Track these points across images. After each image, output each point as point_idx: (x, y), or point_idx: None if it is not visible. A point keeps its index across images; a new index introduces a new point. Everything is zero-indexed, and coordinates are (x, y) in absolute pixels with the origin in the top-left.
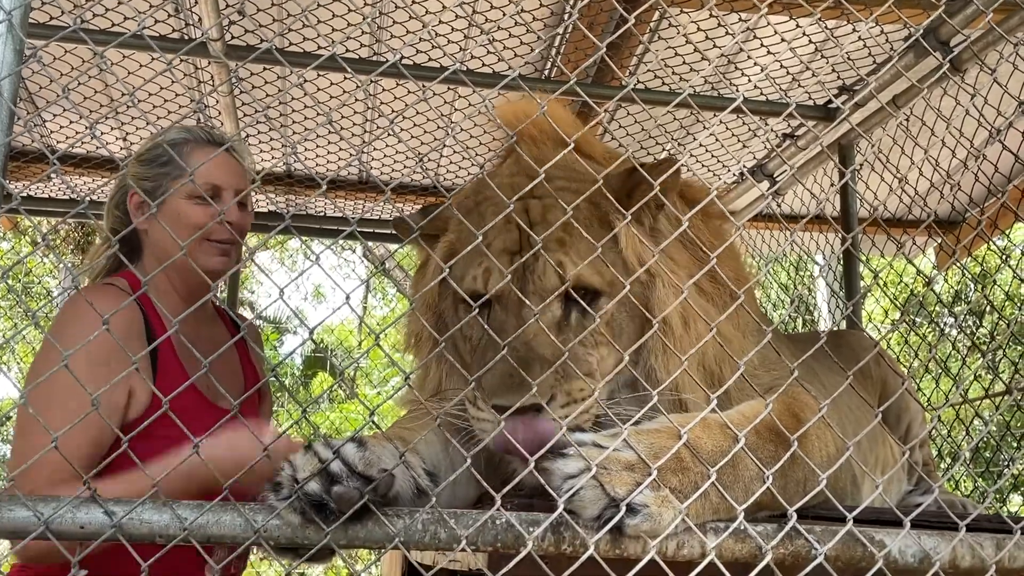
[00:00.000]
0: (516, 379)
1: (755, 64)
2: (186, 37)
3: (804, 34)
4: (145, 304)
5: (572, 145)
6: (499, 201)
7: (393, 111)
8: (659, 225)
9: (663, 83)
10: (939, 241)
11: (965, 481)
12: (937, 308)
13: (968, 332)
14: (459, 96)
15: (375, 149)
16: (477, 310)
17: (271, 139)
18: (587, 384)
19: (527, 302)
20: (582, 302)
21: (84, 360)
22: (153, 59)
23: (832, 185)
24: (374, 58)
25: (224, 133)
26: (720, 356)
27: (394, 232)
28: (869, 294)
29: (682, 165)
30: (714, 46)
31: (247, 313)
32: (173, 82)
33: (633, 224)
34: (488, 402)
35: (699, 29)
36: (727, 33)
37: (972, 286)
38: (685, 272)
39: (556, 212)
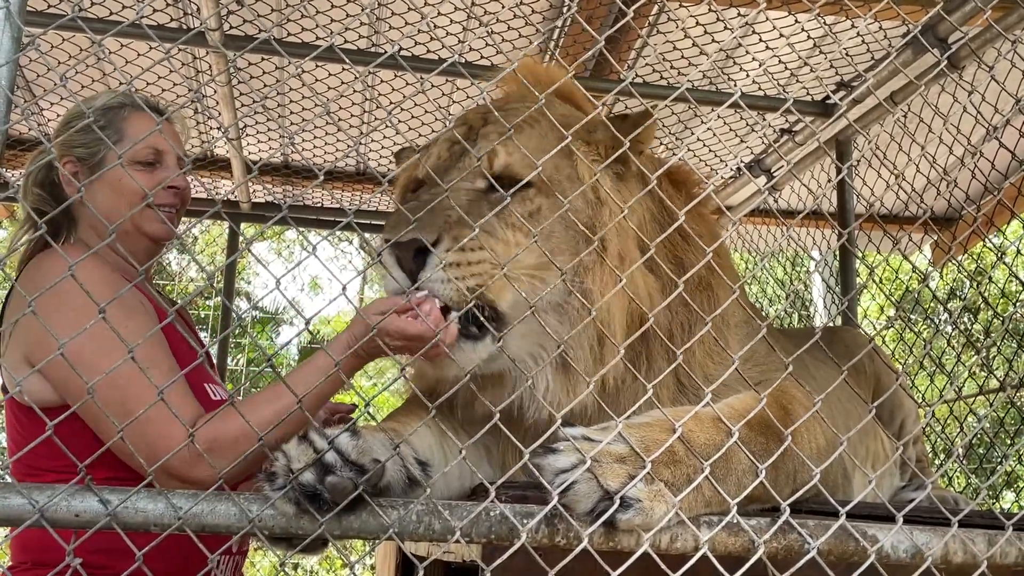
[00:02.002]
0: (406, 217)
1: (753, 59)
2: (184, 27)
3: (803, 30)
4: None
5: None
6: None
7: (391, 103)
8: (627, 172)
9: (661, 77)
10: (935, 238)
11: (958, 477)
12: (932, 305)
13: (963, 329)
14: (457, 88)
15: (373, 140)
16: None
17: (269, 129)
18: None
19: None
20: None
21: (122, 314)
22: (151, 48)
23: (829, 181)
24: (372, 49)
25: (159, 101)
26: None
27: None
28: (865, 290)
29: (656, 119)
30: (712, 41)
31: (243, 304)
32: (171, 71)
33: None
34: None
35: (698, 23)
36: (726, 28)
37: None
38: (636, 219)
39: (513, 121)
